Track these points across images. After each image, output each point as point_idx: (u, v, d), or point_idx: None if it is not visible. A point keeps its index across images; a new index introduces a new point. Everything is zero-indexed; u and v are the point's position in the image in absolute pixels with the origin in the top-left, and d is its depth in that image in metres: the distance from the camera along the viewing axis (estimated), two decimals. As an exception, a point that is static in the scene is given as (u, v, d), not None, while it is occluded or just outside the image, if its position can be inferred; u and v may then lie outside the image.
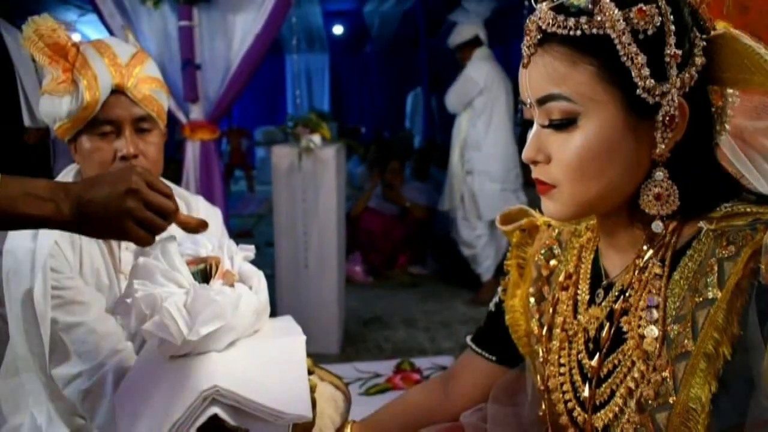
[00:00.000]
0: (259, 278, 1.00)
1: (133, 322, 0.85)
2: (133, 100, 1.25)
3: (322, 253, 3.16)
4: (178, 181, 2.95)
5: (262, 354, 0.91)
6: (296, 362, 0.92)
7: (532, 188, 0.77)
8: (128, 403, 0.92)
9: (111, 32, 2.85)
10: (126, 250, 1.33)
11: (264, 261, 4.30)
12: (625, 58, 0.67)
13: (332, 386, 1.13)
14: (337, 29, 9.97)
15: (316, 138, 3.01)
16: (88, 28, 5.95)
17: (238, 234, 5.89)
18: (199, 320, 0.84)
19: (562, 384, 0.83)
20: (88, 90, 1.20)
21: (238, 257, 1.03)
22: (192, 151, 2.94)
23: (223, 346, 0.89)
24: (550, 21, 0.70)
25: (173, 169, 3.25)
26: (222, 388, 0.82)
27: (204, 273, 0.96)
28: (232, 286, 0.93)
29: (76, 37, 1.27)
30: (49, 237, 1.20)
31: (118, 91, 1.23)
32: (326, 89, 10.43)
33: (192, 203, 1.48)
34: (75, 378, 1.16)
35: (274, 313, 1.04)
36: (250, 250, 1.07)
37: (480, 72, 3.87)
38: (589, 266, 0.85)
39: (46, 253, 1.18)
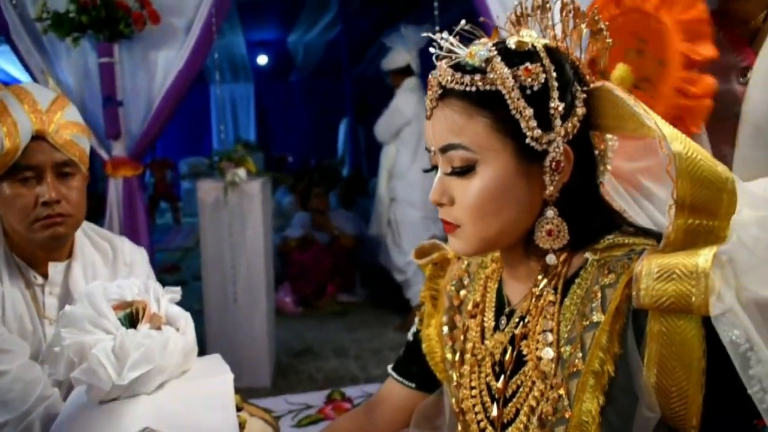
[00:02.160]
0: (186, 319, 1.03)
1: (62, 370, 0.87)
2: (54, 145, 1.26)
3: (251, 286, 3.17)
4: (101, 216, 2.90)
5: (190, 394, 0.94)
6: (224, 400, 0.96)
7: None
8: (57, 449, 0.92)
9: (29, 70, 2.80)
10: (50, 295, 1.33)
11: (192, 295, 4.26)
12: (514, 112, 0.75)
13: (262, 421, 1.17)
14: (262, 59, 10.01)
15: (242, 172, 3.03)
16: (-1, 59, 5.78)
17: (164, 269, 5.78)
18: (127, 364, 0.86)
19: (474, 405, 0.90)
20: (8, 137, 1.20)
21: (165, 299, 1.06)
22: (114, 188, 2.89)
23: (152, 389, 0.92)
24: (449, 78, 0.78)
25: (95, 204, 3.20)
26: (152, 429, 0.84)
27: (131, 317, 0.99)
28: (159, 329, 0.96)
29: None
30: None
31: (38, 137, 1.24)
32: (252, 119, 10.43)
33: (117, 245, 1.49)
34: (1, 428, 1.15)
35: (203, 348, 1.08)
36: (176, 292, 1.10)
37: (408, 103, 3.97)
38: (494, 295, 0.93)
39: (-33, 302, 1.17)
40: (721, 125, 1.42)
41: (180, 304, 1.11)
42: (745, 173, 1.34)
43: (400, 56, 4.07)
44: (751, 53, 1.36)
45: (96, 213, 2.85)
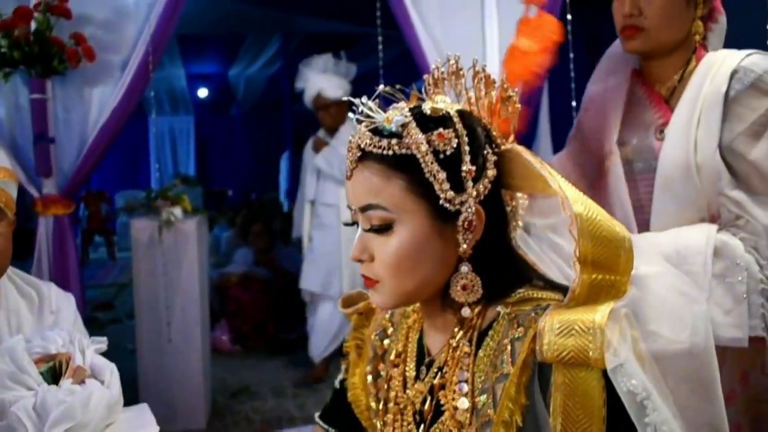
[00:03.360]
0: (111, 371, 1.03)
1: (-21, 428, 0.86)
2: (-20, 192, 1.24)
3: (186, 326, 3.12)
4: (30, 253, 2.81)
5: (113, 449, 0.94)
6: (148, 454, 0.96)
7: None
8: None
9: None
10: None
11: (126, 334, 4.15)
12: (428, 175, 0.80)
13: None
14: (202, 92, 9.97)
15: (177, 211, 3.00)
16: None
17: (97, 306, 5.62)
18: (48, 422, 0.86)
19: (397, 453, 0.93)
20: (-70, 185, 1.19)
21: (90, 351, 1.05)
22: (45, 227, 2.82)
23: (73, 444, 0.91)
24: (368, 141, 0.82)
25: (25, 241, 3.09)
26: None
27: (54, 371, 0.98)
28: (83, 382, 0.96)
29: None
30: None
31: (-37, 184, 1.23)
32: (192, 152, 10.32)
33: (44, 291, 1.46)
34: None
35: (136, 389, 1.08)
36: (102, 342, 1.10)
37: None
38: (415, 345, 0.96)
39: None
40: (642, 178, 1.50)
41: (113, 343, 1.11)
42: (660, 224, 1.43)
43: (345, 84, 3.76)
44: (668, 111, 1.45)
45: (26, 249, 2.77)
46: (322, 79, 3.73)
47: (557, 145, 2.97)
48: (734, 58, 1.37)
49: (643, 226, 1.48)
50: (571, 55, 2.66)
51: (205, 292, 3.34)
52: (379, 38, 3.05)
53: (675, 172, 1.39)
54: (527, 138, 3.02)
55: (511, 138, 0.90)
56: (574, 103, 2.67)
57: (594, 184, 1.64)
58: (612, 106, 1.57)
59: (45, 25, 2.65)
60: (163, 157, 9.87)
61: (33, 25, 2.65)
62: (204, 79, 9.52)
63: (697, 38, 1.46)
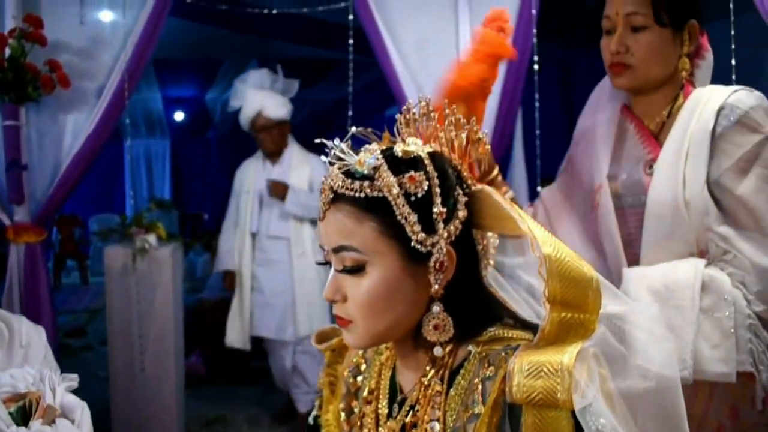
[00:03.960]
0: (82, 409, 1.02)
1: (-56, 473, 0.84)
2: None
3: (160, 355, 3.08)
4: (1, 279, 2.77)
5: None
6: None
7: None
8: None
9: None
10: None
11: (98, 361, 4.09)
12: (400, 217, 0.81)
13: None
14: (179, 115, 9.93)
15: (152, 238, 2.98)
16: None
17: (70, 332, 5.53)
18: (16, 465, 0.85)
19: (369, 491, 0.93)
20: None
21: (61, 389, 1.04)
22: (16, 255, 2.78)
23: (42, 486, 0.90)
24: (340, 183, 0.83)
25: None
26: None
27: (24, 411, 0.97)
28: (53, 422, 0.95)
29: None
30: None
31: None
32: (167, 175, 10.25)
33: (14, 325, 1.45)
34: None
35: (108, 418, 1.06)
36: (73, 380, 1.09)
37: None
38: (388, 383, 0.97)
39: None
40: (632, 212, 1.52)
41: (85, 370, 1.10)
42: (650, 257, 1.44)
43: (285, 106, 3.48)
44: (656, 146, 1.47)
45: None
46: (263, 97, 3.44)
47: (530, 173, 3.04)
48: (720, 94, 1.39)
49: (633, 259, 1.49)
50: (536, 91, 2.73)
51: (180, 319, 3.30)
52: (350, 65, 3.08)
53: (664, 207, 1.41)
54: (501, 166, 3.07)
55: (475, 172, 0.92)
56: (538, 131, 2.76)
57: (584, 217, 1.66)
58: (602, 141, 1.59)
59: (19, 51, 2.64)
60: (138, 180, 9.79)
61: (7, 52, 2.64)
62: (181, 102, 9.50)
63: (684, 74, 1.47)
